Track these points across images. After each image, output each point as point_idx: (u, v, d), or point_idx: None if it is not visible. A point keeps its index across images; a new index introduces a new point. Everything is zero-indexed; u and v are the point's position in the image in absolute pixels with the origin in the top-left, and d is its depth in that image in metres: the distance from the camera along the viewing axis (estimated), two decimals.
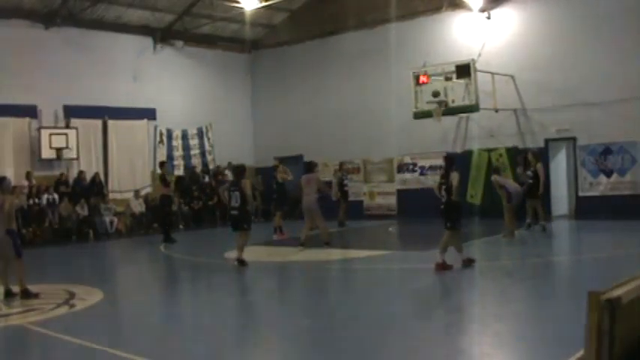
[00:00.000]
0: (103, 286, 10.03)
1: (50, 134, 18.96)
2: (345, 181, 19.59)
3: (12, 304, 8.83)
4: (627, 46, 16.65)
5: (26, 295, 8.99)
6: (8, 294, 9.13)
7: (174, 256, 14.63)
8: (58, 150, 19.03)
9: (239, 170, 12.08)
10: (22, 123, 18.91)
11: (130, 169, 21.37)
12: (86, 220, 19.05)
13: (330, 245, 13.64)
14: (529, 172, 14.91)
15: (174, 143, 22.73)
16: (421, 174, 20.69)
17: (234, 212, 11.52)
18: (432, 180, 20.14)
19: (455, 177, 10.12)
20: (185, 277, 12.37)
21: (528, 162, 15.17)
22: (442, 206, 10.21)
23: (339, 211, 18.95)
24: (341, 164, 20.27)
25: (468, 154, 19.23)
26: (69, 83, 19.54)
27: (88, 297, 9.09)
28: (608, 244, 12.88)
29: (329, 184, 18.77)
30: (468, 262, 10.05)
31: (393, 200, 21.42)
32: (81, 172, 19.56)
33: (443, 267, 9.84)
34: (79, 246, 17.78)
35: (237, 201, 11.41)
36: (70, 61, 19.69)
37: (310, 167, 14.32)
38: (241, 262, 11.36)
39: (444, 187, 10.21)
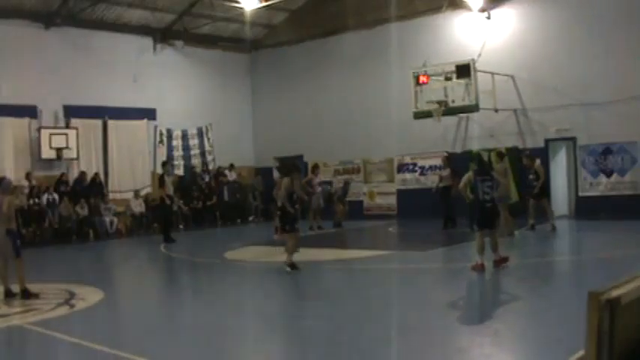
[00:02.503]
0: (103, 286, 10.03)
1: (50, 134, 18.96)
2: (338, 194, 19.15)
3: (12, 304, 8.83)
4: (627, 45, 16.65)
5: (26, 295, 8.99)
6: (8, 294, 9.12)
7: (174, 256, 14.64)
8: (58, 150, 19.03)
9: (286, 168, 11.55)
10: (22, 123, 18.91)
11: (130, 169, 21.36)
12: (86, 220, 19.04)
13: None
14: (531, 176, 14.92)
15: (174, 143, 22.74)
16: (421, 174, 20.69)
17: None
18: (431, 181, 20.28)
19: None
20: (185, 277, 12.38)
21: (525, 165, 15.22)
22: (489, 205, 9.64)
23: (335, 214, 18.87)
24: (345, 182, 19.86)
25: (467, 154, 19.22)
26: (69, 83, 19.54)
27: (88, 297, 9.09)
28: (608, 244, 12.87)
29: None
30: (502, 261, 9.86)
31: (393, 200, 21.42)
32: (82, 173, 19.56)
33: (503, 261, 9.75)
34: (79, 246, 17.78)
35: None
36: (70, 61, 19.69)
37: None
38: (292, 266, 10.54)
39: (487, 184, 9.61)
